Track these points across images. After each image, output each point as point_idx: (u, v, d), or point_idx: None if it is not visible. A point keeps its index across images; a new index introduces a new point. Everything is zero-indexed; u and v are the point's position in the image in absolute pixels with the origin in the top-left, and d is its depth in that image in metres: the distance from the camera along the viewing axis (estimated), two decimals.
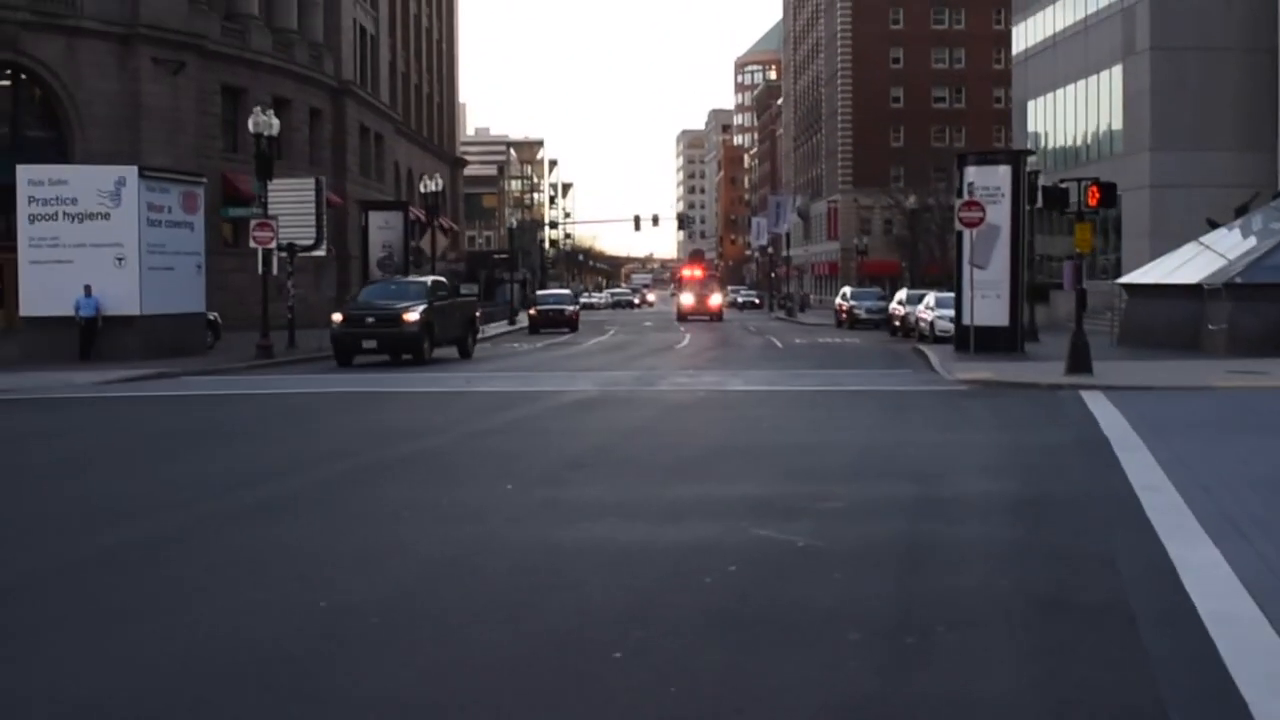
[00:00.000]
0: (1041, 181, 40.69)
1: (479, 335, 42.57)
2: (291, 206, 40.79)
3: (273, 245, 36.95)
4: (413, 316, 34.44)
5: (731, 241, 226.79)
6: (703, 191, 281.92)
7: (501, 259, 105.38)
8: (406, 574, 9.36)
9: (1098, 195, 26.62)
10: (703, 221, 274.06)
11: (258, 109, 38.57)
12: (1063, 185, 31.37)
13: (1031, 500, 11.99)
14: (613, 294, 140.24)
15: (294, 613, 8.27)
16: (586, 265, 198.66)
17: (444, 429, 18.78)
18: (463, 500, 12.43)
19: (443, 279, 41.49)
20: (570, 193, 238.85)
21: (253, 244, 37.04)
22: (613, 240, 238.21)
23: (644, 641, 7.56)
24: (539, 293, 74.66)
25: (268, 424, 20.56)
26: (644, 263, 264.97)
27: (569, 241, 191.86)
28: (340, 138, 70.74)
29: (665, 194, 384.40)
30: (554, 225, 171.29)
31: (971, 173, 34.71)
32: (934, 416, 20.00)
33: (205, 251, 45.60)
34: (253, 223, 37.19)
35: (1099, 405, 20.19)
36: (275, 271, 37.66)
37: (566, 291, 76.55)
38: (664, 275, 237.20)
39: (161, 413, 22.53)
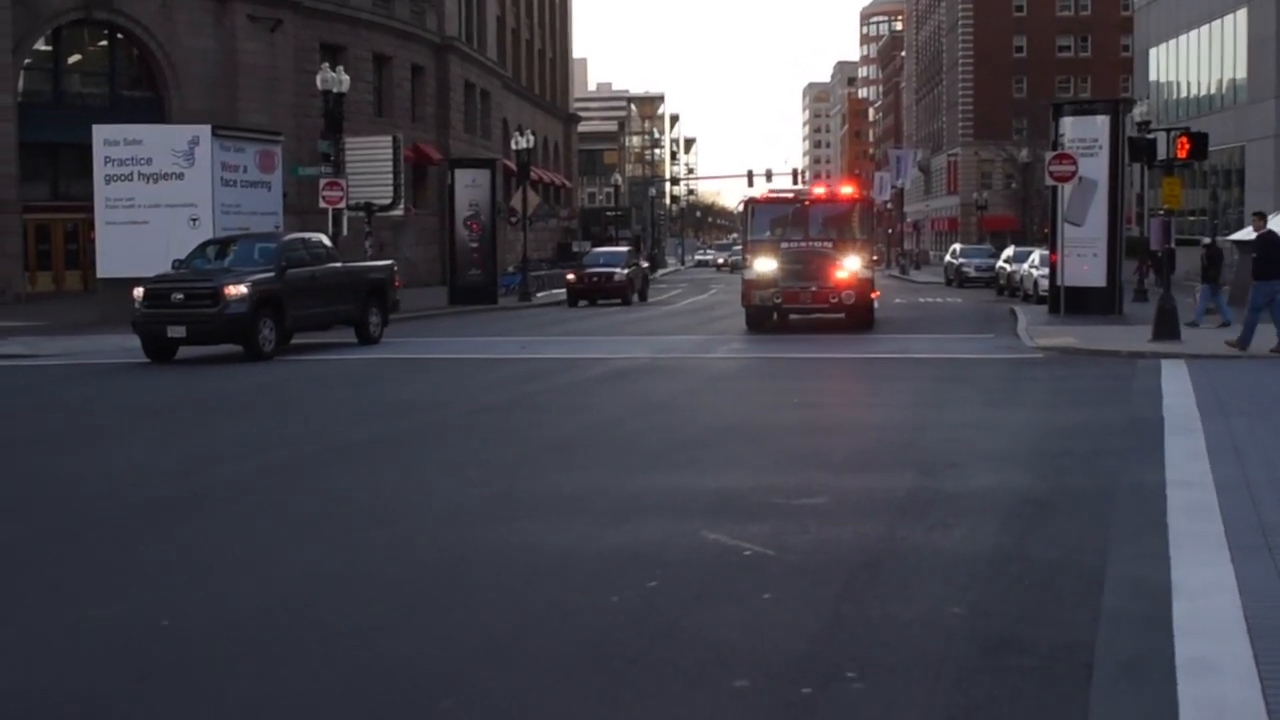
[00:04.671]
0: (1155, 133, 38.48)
1: (392, 311, 30.67)
2: (368, 165, 39.95)
3: (342, 205, 36.06)
4: (239, 290, 24.32)
5: None
6: (828, 146, 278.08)
7: (614, 216, 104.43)
8: (275, 586, 8.19)
9: (1188, 146, 24.66)
10: (828, 176, 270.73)
11: (325, 65, 37.72)
12: (1150, 135, 29.27)
13: (1040, 498, 10.48)
14: (733, 252, 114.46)
15: (121, 631, 7.14)
16: (707, 222, 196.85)
17: (451, 403, 17.64)
18: (410, 492, 11.26)
19: (314, 237, 29.62)
20: (693, 148, 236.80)
21: (322, 204, 36.16)
22: (736, 196, 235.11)
23: (487, 685, 6.32)
24: (590, 251, 57.45)
25: (274, 394, 19.60)
26: None
27: (691, 198, 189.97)
28: (444, 95, 70.01)
29: (791, 149, 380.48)
30: (675, 181, 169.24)
31: (1066, 124, 32.74)
32: (987, 390, 18.38)
33: (299, 212, 45.19)
34: (322, 182, 36.36)
35: (1173, 377, 18.46)
36: (345, 232, 36.77)
37: (622, 250, 56.86)
38: None
39: (167, 384, 21.65)
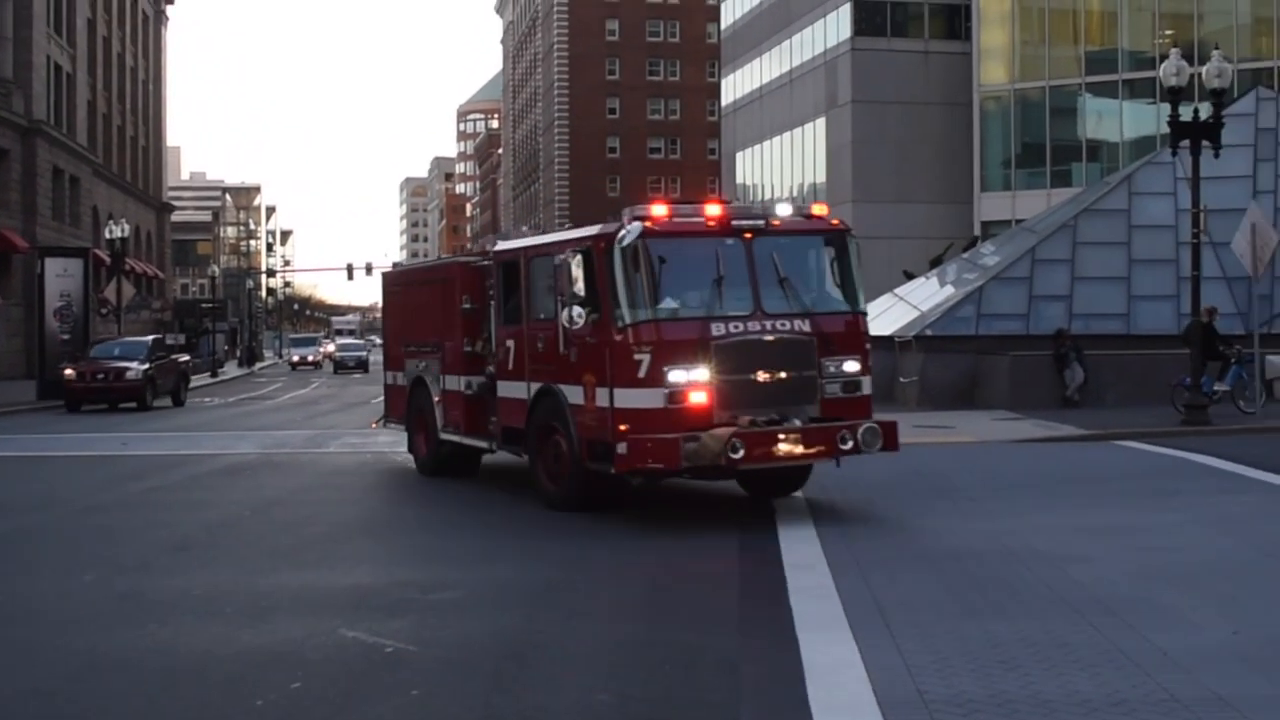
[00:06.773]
0: None
1: None
2: None
3: None
4: None
5: None
6: (426, 240, 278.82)
7: (210, 308, 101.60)
8: None
9: None
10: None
11: None
12: None
13: (666, 585, 10.86)
14: (343, 345, 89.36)
15: None
16: (304, 315, 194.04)
17: (57, 502, 16.83)
18: (25, 597, 10.71)
19: None
20: (290, 240, 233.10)
21: None
22: (334, 289, 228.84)
23: None
24: (97, 345, 41.85)
25: None
26: (365, 311, 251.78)
27: (288, 290, 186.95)
28: (30, 179, 66.86)
29: (390, 242, 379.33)
30: (272, 274, 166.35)
31: None
32: None
33: None
34: None
35: None
36: None
37: (145, 340, 42.21)
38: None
39: None
